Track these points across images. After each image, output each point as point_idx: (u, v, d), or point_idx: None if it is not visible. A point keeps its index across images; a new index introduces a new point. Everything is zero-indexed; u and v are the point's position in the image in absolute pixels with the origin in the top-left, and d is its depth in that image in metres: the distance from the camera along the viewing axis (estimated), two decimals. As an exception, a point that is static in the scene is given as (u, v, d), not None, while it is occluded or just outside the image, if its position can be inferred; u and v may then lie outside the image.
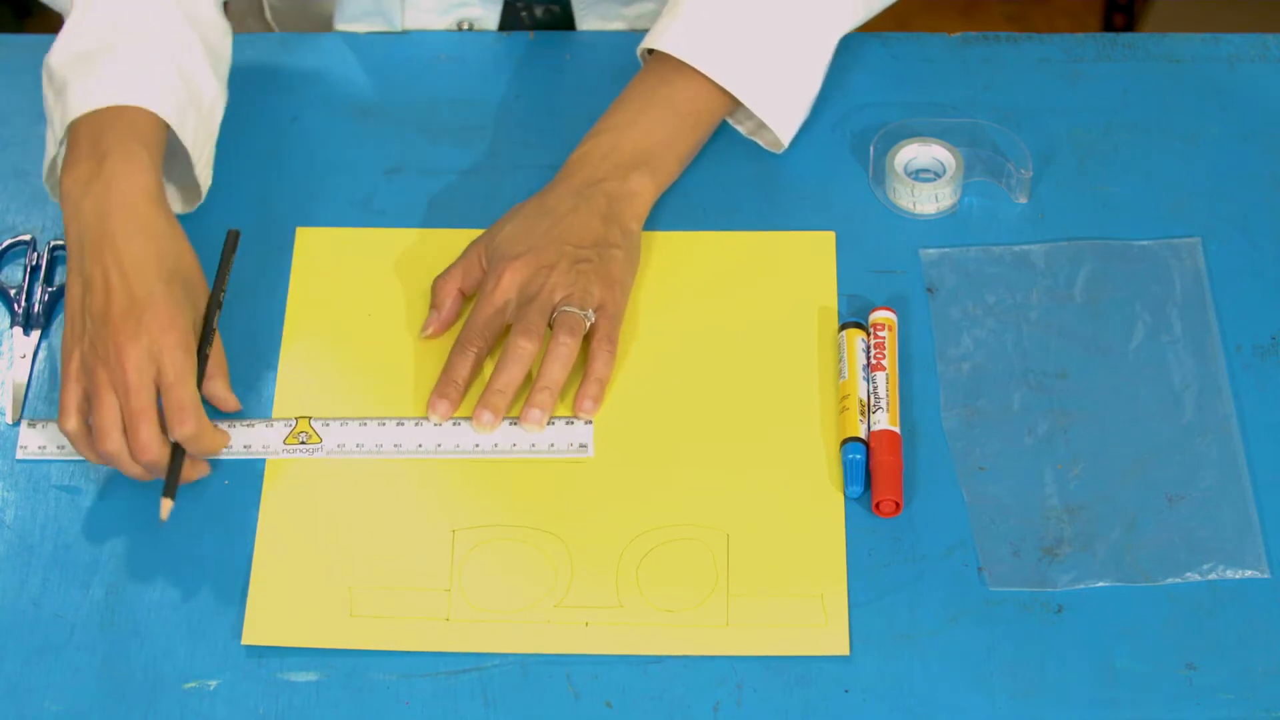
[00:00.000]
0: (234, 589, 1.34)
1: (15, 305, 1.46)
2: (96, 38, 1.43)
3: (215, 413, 1.40)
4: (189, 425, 1.33)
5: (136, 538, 1.36)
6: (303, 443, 1.39)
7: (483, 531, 1.36)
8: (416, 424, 1.40)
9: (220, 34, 1.49)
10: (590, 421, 1.39)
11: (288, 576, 1.34)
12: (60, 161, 1.42)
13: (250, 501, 1.38)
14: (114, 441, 1.33)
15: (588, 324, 1.40)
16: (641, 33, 1.55)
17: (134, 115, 1.40)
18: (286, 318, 1.46)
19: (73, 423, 1.34)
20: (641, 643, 1.31)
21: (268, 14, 1.72)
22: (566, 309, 1.40)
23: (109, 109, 1.40)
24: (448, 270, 1.44)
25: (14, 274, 1.49)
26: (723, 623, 1.32)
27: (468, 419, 1.40)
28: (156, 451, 1.32)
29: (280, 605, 1.33)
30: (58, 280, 1.48)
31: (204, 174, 1.48)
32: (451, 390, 1.39)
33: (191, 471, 1.36)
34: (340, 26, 1.63)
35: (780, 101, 1.49)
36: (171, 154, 1.46)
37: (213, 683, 1.31)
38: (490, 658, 1.31)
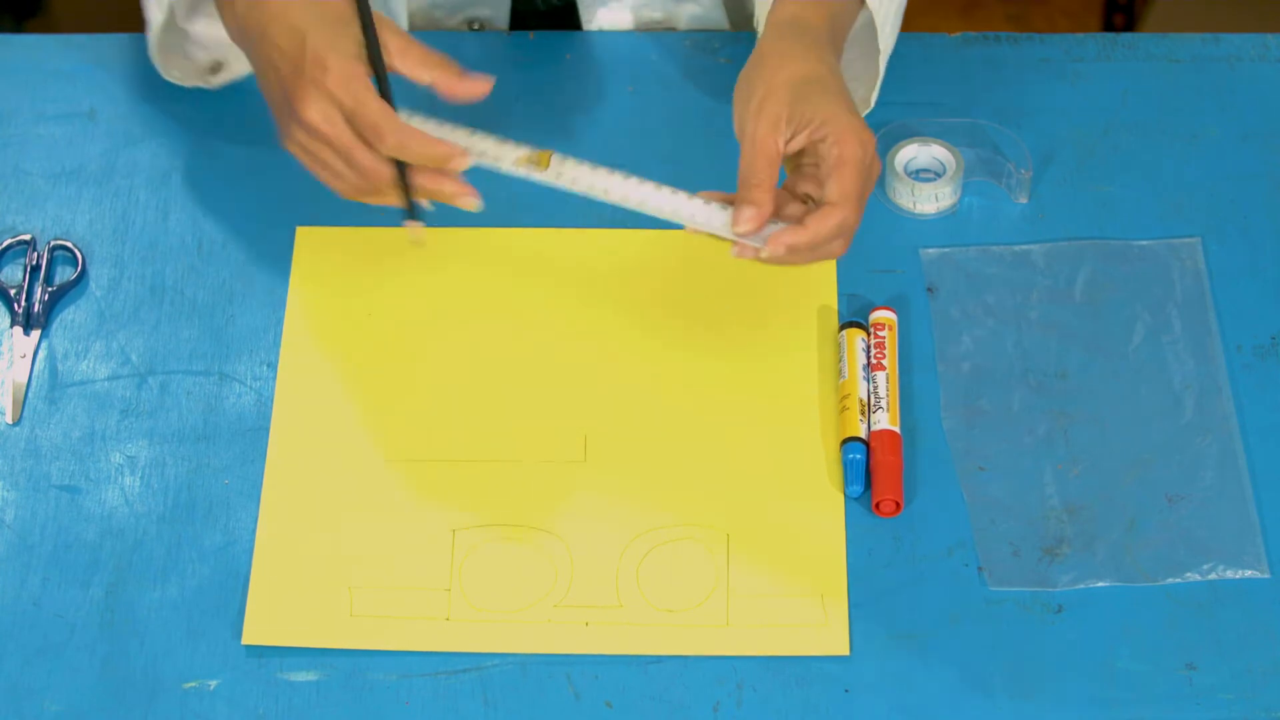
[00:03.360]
0: (234, 589, 1.34)
1: (15, 305, 1.46)
2: None
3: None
4: (387, 138, 1.30)
5: (136, 538, 1.36)
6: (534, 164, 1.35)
7: (483, 531, 1.36)
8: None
9: None
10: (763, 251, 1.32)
11: (288, 576, 1.34)
12: (155, 32, 1.46)
13: (250, 501, 1.38)
14: (347, 185, 1.33)
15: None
16: (646, 29, 1.54)
17: None
18: (286, 318, 1.46)
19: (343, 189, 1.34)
20: (641, 643, 1.31)
21: None
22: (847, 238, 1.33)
23: None
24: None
25: (14, 274, 1.49)
26: (723, 623, 1.32)
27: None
28: (383, 170, 1.31)
29: (280, 605, 1.33)
30: (57, 280, 1.48)
31: None
32: (768, 210, 1.32)
33: (442, 185, 1.33)
34: None
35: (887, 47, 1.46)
36: None
37: (213, 683, 1.31)
38: (490, 658, 1.31)
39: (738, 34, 1.61)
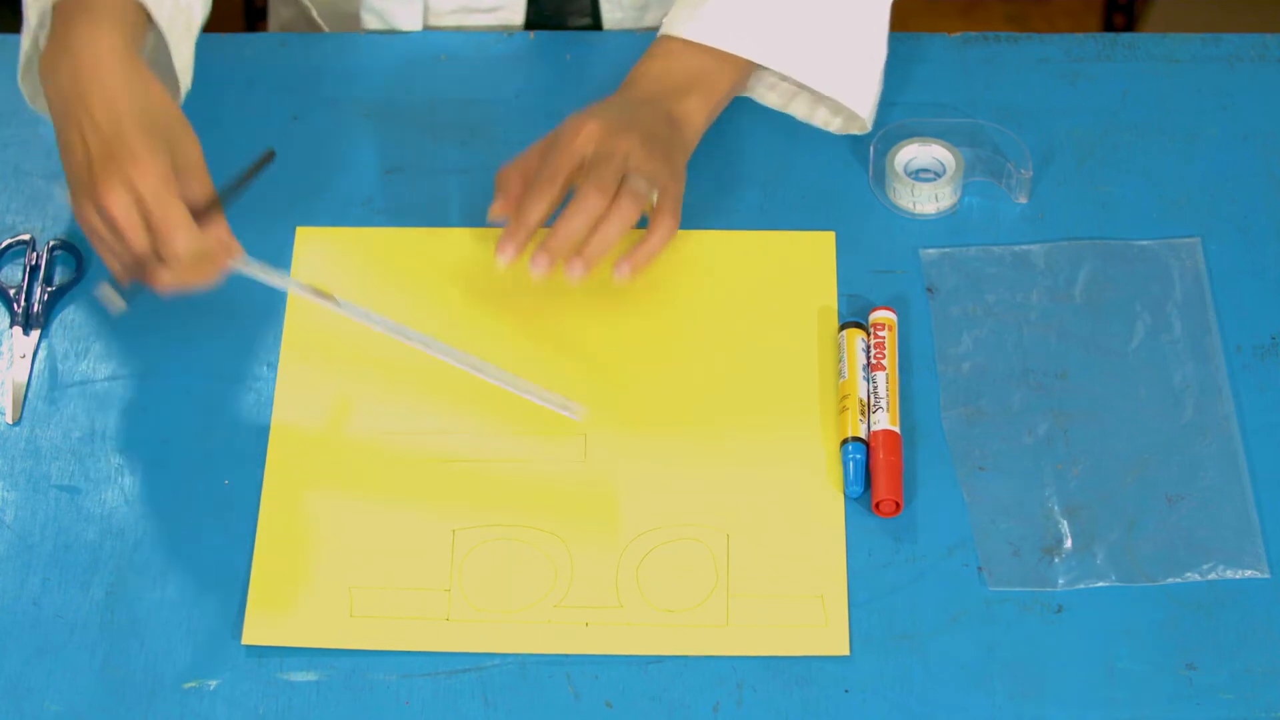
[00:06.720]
0: (234, 589, 1.34)
1: (15, 305, 1.46)
2: None
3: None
4: (178, 239, 1.31)
5: (136, 538, 1.36)
6: (320, 294, 1.40)
7: (483, 531, 1.36)
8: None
9: None
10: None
11: (288, 576, 1.34)
12: (36, 58, 1.42)
13: (250, 501, 1.38)
14: (122, 269, 1.33)
15: (652, 199, 1.41)
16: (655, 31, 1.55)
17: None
18: (286, 318, 1.46)
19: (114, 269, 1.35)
20: (641, 643, 1.31)
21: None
22: (635, 179, 1.40)
23: None
24: (512, 161, 1.45)
25: (14, 274, 1.49)
26: (723, 623, 1.32)
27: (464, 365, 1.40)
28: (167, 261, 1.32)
29: (280, 605, 1.33)
30: (57, 280, 1.48)
31: (184, 68, 1.45)
32: (521, 233, 1.38)
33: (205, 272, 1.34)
34: (366, 16, 1.63)
35: (844, 77, 1.49)
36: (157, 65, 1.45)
37: (213, 683, 1.31)
38: (490, 658, 1.31)
39: (738, 34, 1.61)
